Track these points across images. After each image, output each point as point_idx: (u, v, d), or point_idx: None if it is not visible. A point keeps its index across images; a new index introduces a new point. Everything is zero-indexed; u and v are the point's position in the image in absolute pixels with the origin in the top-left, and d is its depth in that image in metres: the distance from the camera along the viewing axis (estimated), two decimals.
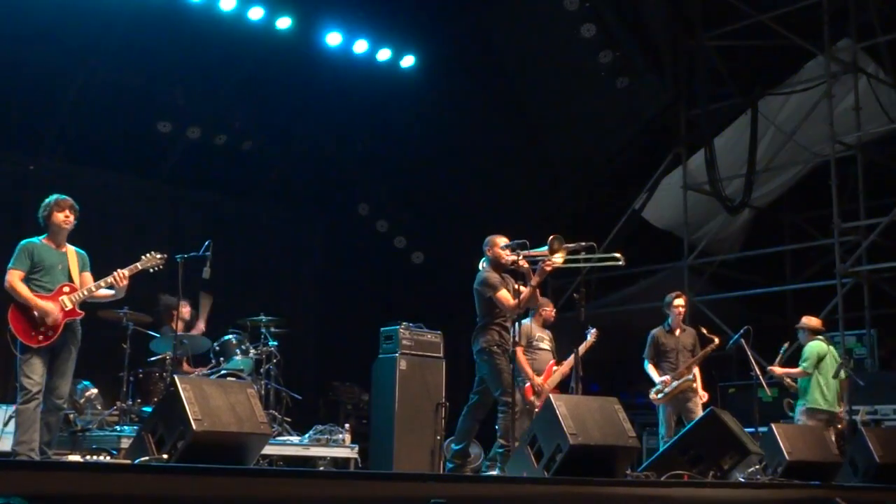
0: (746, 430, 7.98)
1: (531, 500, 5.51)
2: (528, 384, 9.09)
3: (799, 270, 15.19)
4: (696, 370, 9.80)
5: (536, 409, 8.39)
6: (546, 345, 9.51)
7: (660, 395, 9.71)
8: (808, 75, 13.02)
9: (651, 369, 9.82)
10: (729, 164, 13.39)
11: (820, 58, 12.73)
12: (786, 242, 14.96)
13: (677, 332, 9.89)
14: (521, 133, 13.98)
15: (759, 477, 7.49)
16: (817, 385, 9.96)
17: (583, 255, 7.86)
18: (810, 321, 10.34)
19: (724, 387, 12.48)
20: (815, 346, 10.08)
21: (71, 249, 7.18)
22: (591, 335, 9.53)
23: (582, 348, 9.22)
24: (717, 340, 9.77)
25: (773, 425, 8.10)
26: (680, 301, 9.95)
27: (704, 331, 9.89)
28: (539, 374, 9.23)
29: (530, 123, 13.90)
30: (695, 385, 9.72)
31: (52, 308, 6.86)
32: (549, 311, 9.75)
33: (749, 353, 9.75)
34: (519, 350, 9.20)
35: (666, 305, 9.98)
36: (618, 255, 7.96)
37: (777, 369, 10.10)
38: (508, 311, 7.75)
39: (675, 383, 9.64)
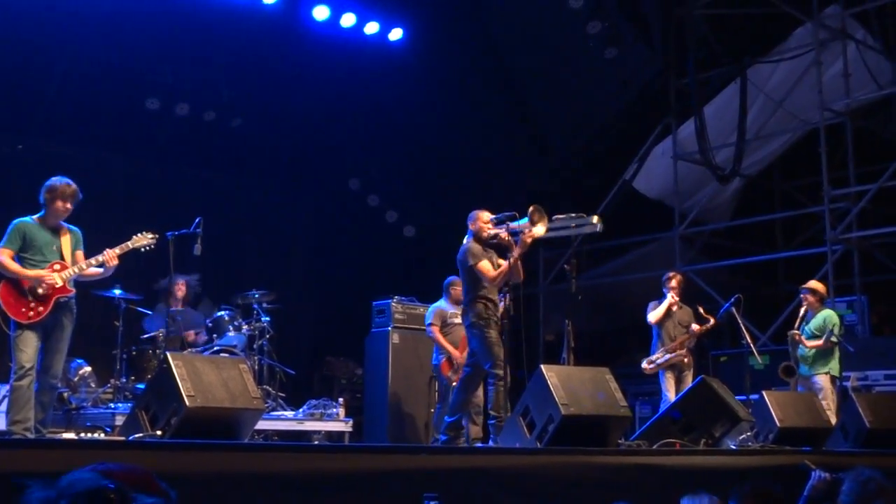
0: (738, 397, 8.04)
1: (524, 471, 5.54)
2: (443, 360, 9.53)
3: (790, 238, 15.23)
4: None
5: (453, 384, 8.65)
6: (459, 320, 9.50)
7: (651, 366, 9.90)
8: (796, 42, 13.00)
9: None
10: (719, 132, 13.38)
11: (808, 25, 12.71)
12: (776, 210, 14.98)
13: (674, 307, 10.00)
14: (511, 105, 13.95)
15: (750, 444, 7.55)
16: (838, 354, 10.00)
17: (563, 224, 7.93)
18: (822, 287, 10.37)
19: (715, 355, 12.54)
20: (835, 315, 10.12)
21: (64, 228, 7.14)
22: None
23: None
24: (712, 321, 9.90)
25: (764, 393, 8.16)
26: (675, 281, 10.10)
27: (702, 310, 10.02)
28: (456, 348, 9.50)
29: (519, 95, 13.87)
30: (686, 360, 9.87)
31: (43, 273, 6.84)
32: (458, 289, 9.81)
33: (740, 322, 9.81)
34: (435, 329, 9.65)
35: (663, 283, 10.15)
36: (594, 218, 8.02)
37: (809, 342, 9.93)
38: (489, 282, 7.79)
39: (667, 356, 9.79)
